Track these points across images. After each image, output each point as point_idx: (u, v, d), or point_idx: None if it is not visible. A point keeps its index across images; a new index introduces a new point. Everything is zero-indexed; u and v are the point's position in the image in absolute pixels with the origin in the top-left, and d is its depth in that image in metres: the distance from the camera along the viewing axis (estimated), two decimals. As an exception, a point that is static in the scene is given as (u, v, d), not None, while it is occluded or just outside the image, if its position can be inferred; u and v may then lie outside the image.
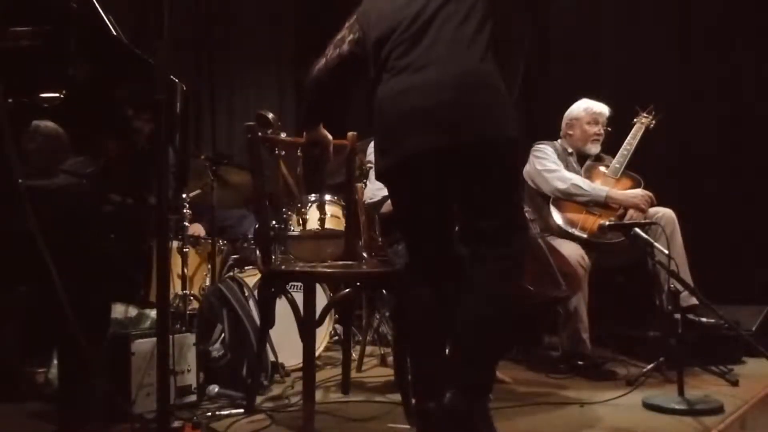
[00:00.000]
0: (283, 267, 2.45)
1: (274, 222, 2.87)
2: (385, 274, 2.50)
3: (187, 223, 3.15)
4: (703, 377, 2.90)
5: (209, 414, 2.45)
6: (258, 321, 2.88)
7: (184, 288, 3.10)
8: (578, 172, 3.47)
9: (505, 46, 2.12)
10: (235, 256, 3.82)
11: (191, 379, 2.59)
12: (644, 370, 2.86)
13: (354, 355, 3.38)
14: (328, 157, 2.54)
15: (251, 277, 3.20)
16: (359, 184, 3.09)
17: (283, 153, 2.68)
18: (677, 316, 2.57)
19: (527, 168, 3.51)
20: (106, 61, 2.03)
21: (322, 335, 3.35)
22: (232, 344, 2.82)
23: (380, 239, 3.15)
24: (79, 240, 1.94)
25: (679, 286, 2.68)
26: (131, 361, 2.37)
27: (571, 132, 3.56)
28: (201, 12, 4.91)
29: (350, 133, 2.75)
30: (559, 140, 3.60)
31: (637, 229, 2.79)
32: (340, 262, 2.56)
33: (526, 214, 2.91)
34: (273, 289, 2.47)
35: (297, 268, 2.41)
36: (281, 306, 2.49)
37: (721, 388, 2.76)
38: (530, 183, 3.49)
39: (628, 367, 3.12)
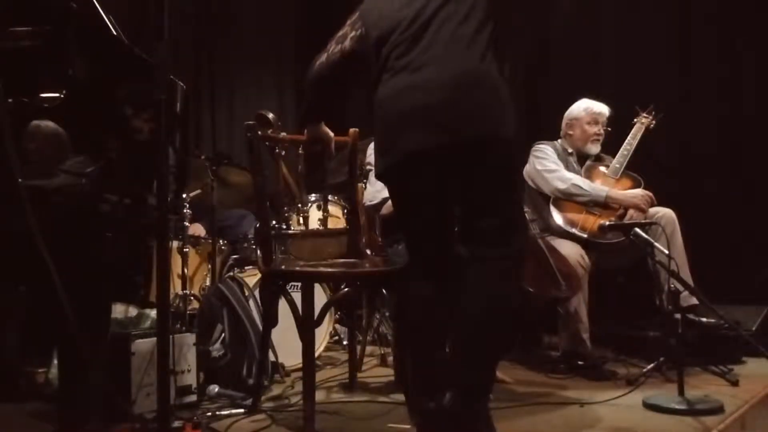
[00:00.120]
0: (283, 267, 2.45)
1: (274, 222, 2.87)
2: (387, 272, 2.50)
3: (187, 223, 3.15)
4: (703, 377, 2.90)
5: (209, 414, 2.45)
6: (258, 321, 2.89)
7: (184, 288, 3.10)
8: (578, 172, 3.47)
9: (505, 45, 2.11)
10: (235, 256, 3.82)
11: (191, 379, 2.59)
12: (644, 370, 2.86)
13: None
14: (330, 154, 2.54)
15: (251, 277, 3.20)
16: (359, 185, 3.09)
17: (283, 153, 2.68)
18: (677, 316, 2.56)
19: (527, 168, 3.51)
20: (106, 61, 2.03)
21: (322, 335, 3.35)
22: (232, 344, 2.82)
23: (380, 240, 3.15)
24: (79, 240, 1.94)
25: (679, 286, 2.69)
26: (131, 361, 2.37)
27: (571, 132, 3.56)
28: (201, 12, 4.91)
29: (352, 130, 2.74)
30: (559, 140, 3.60)
31: (637, 229, 2.79)
32: (341, 261, 2.56)
33: (526, 214, 2.92)
34: (274, 289, 2.48)
35: (297, 268, 2.41)
36: (281, 306, 2.49)
37: (721, 388, 2.76)
38: (530, 183, 3.49)
39: (628, 367, 3.12)
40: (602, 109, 3.53)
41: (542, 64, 4.72)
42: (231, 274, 3.33)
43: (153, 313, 2.65)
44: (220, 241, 3.71)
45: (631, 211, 3.29)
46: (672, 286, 2.63)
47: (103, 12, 2.07)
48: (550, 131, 3.66)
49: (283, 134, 2.66)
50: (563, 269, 2.91)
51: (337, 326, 3.85)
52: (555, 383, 2.96)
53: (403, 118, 2.00)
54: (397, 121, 2.01)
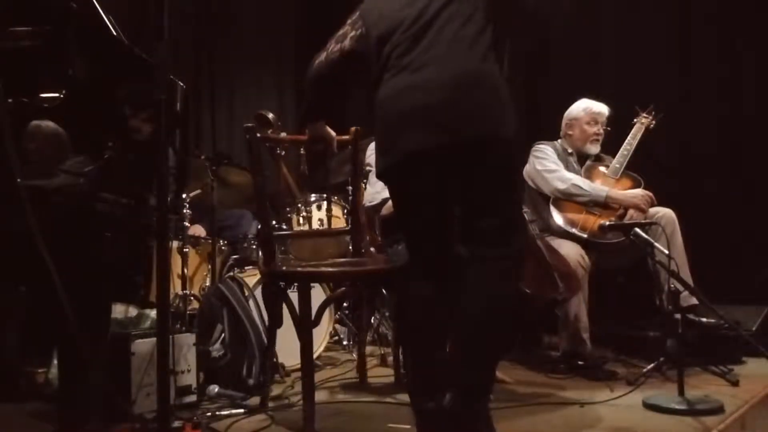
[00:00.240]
0: (284, 267, 2.45)
1: (274, 222, 2.87)
2: (388, 271, 2.49)
3: (187, 224, 3.15)
4: (703, 377, 2.89)
5: (209, 414, 2.45)
6: (258, 321, 2.89)
7: (184, 288, 3.10)
8: (578, 172, 3.47)
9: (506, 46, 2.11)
10: (235, 256, 3.82)
11: (191, 379, 2.59)
12: (644, 370, 2.86)
13: (354, 355, 3.39)
14: (332, 153, 2.54)
15: (251, 277, 3.20)
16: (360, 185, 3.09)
17: (283, 153, 2.68)
18: (677, 316, 2.57)
19: (527, 168, 3.51)
20: (106, 61, 2.03)
21: (322, 336, 3.34)
22: (232, 344, 2.82)
23: (380, 240, 3.15)
24: (79, 240, 1.94)
25: (679, 286, 2.68)
26: (131, 361, 2.37)
27: (570, 132, 3.56)
28: (201, 12, 4.91)
29: (353, 128, 2.74)
30: (559, 140, 3.60)
31: (637, 229, 2.79)
32: (342, 260, 2.56)
33: (525, 215, 2.91)
34: (275, 290, 2.48)
35: (299, 269, 2.41)
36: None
37: (721, 388, 2.75)
38: (530, 183, 3.49)
39: (628, 367, 3.12)
40: (602, 109, 3.53)
41: (542, 64, 4.72)
42: (231, 274, 3.33)
43: (153, 313, 2.65)
44: (220, 241, 3.71)
45: (631, 211, 3.29)
46: (672, 286, 2.63)
47: (103, 12, 2.07)
48: (550, 131, 3.66)
49: (283, 134, 2.66)
50: (562, 270, 2.91)
51: (337, 326, 3.85)
52: (555, 383, 2.95)
53: (403, 118, 2.00)
54: (398, 121, 2.01)
